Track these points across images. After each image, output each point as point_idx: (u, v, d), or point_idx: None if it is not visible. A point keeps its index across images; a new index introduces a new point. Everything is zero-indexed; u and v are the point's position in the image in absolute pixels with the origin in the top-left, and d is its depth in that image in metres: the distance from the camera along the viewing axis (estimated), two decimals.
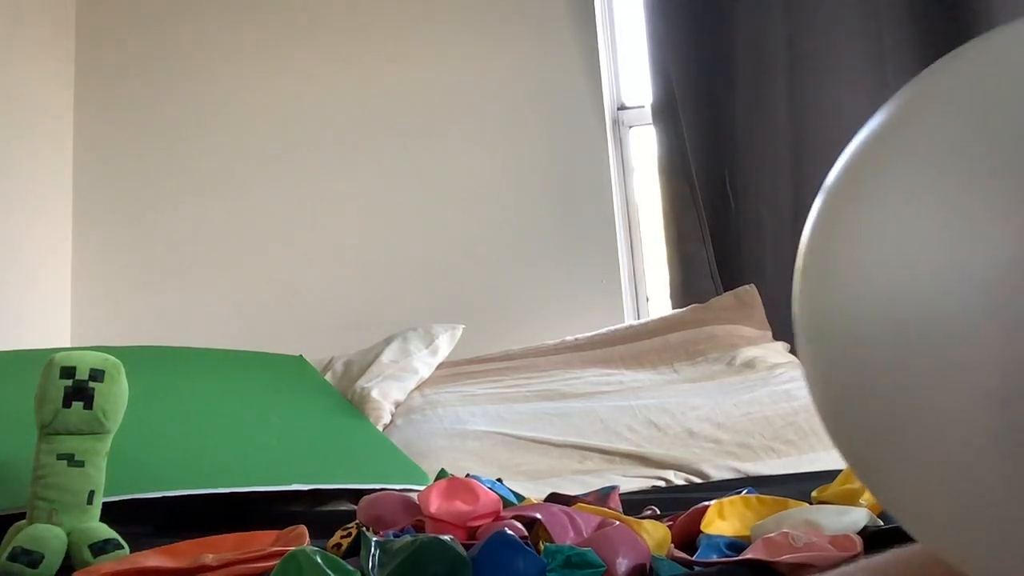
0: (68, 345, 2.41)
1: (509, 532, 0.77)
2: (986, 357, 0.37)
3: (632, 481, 1.42)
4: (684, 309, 2.08)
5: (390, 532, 0.88)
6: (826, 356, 0.45)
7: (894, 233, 0.42)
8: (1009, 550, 0.40)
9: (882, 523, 0.87)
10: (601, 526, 0.86)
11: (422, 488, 0.98)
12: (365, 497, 1.02)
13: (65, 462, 0.98)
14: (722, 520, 0.92)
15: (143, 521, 1.20)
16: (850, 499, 0.95)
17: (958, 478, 0.40)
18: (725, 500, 0.95)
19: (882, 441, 0.43)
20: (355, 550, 0.85)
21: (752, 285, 2.05)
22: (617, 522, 0.86)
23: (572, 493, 1.12)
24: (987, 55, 0.45)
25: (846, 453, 0.47)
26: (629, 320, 2.27)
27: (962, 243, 0.39)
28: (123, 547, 0.97)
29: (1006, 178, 0.39)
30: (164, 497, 1.21)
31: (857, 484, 0.96)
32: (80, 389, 0.99)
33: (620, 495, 1.10)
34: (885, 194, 0.43)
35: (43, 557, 0.91)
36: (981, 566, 0.43)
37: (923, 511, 0.44)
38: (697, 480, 1.42)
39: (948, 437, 0.39)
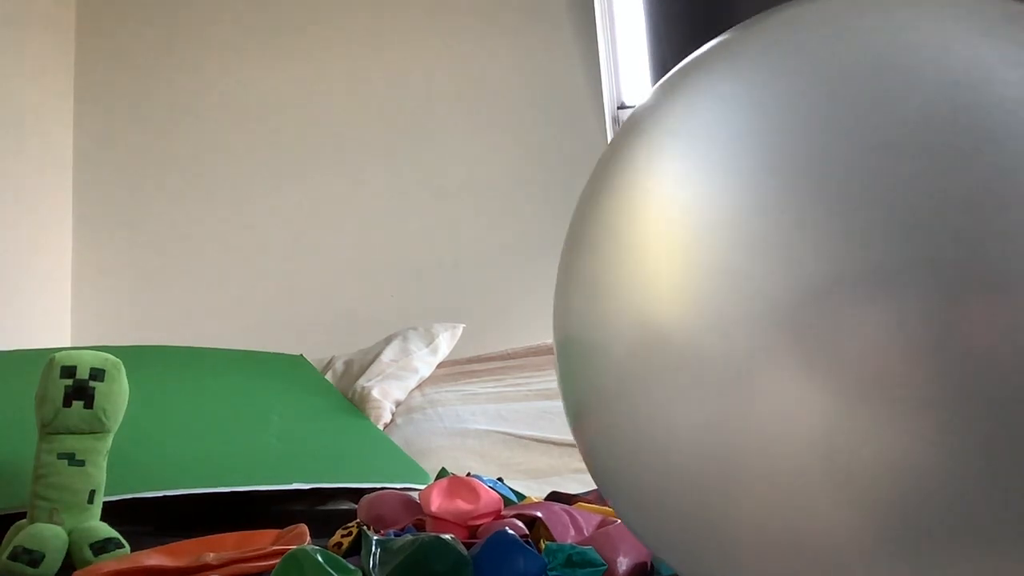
0: (68, 345, 2.41)
1: (510, 531, 0.77)
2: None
3: None
4: None
5: (391, 531, 0.88)
6: (581, 377, 0.42)
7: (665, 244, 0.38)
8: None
9: None
10: (602, 524, 0.86)
11: (423, 487, 0.98)
12: (366, 496, 1.02)
13: (66, 461, 0.98)
14: None
15: (144, 520, 1.20)
16: None
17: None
18: None
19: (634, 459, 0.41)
20: (356, 549, 0.85)
21: None
22: (618, 520, 0.86)
23: (573, 492, 1.12)
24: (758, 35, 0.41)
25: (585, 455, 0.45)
26: None
27: (754, 260, 0.35)
28: (124, 546, 0.97)
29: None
30: (165, 497, 1.21)
31: None
32: (80, 388, 0.99)
33: None
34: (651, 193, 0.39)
35: (44, 556, 0.92)
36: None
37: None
38: None
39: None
